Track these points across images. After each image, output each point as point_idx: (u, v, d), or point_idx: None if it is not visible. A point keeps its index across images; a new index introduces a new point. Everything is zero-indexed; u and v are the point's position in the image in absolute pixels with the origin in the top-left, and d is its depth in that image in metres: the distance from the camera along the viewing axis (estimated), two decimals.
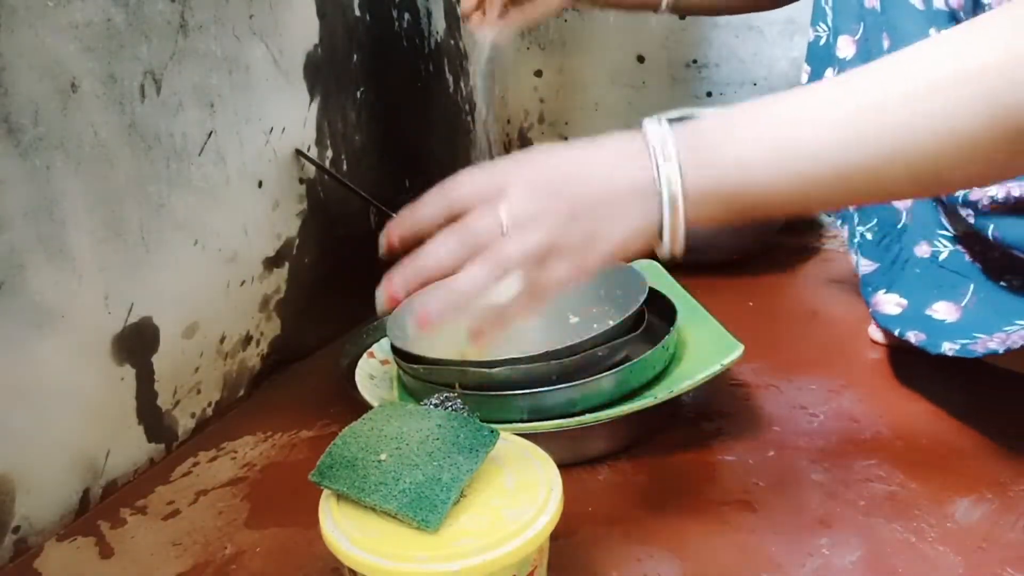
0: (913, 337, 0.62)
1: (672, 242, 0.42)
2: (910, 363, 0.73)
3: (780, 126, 0.40)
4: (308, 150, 0.86)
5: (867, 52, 0.66)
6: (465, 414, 0.49)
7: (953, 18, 0.59)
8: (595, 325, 0.70)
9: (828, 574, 0.48)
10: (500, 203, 0.41)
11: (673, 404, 0.63)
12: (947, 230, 0.61)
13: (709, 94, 1.28)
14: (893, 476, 0.57)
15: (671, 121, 0.43)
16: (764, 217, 0.50)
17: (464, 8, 0.79)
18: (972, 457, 0.59)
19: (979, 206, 0.59)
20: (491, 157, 1.35)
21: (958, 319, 0.59)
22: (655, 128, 0.42)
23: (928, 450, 0.60)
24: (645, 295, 0.66)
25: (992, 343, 0.57)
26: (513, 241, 0.41)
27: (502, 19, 0.78)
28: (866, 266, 0.67)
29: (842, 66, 0.68)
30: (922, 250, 0.62)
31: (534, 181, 0.42)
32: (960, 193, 0.60)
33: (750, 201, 0.41)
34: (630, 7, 0.84)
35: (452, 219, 0.42)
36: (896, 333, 0.63)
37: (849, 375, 0.73)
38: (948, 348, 0.60)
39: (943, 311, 0.60)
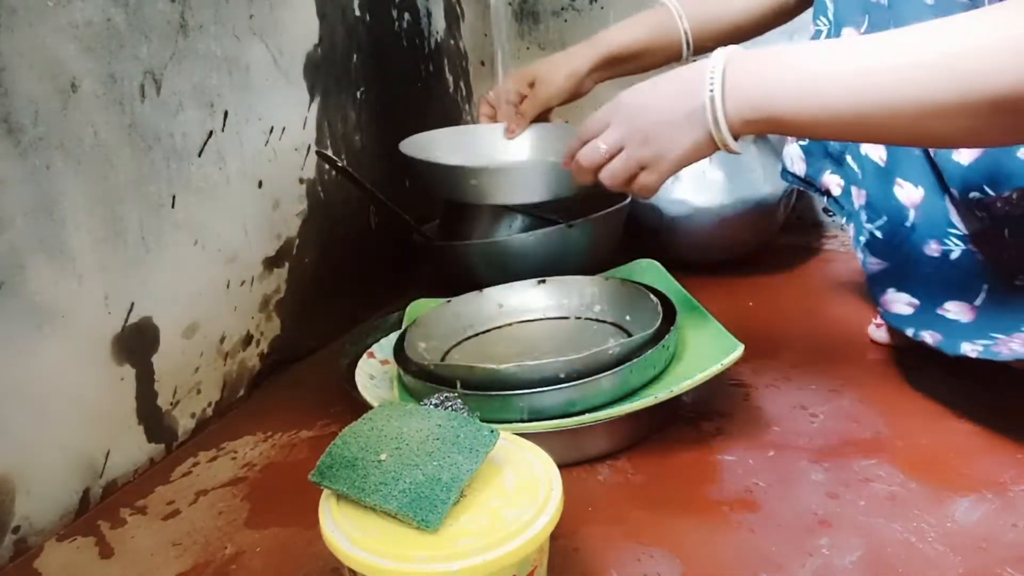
0: (929, 338, 0.61)
1: (724, 147, 0.56)
2: (910, 363, 0.73)
3: (804, 72, 0.52)
4: (308, 150, 0.86)
5: None
6: (465, 414, 0.49)
7: (970, 7, 0.58)
8: (611, 341, 0.69)
9: (828, 574, 0.48)
10: (601, 136, 0.62)
11: (673, 404, 0.63)
12: (957, 229, 0.60)
13: None
14: (893, 476, 0.57)
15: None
16: (789, 135, 0.68)
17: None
18: (972, 457, 0.59)
19: (994, 208, 0.58)
20: None
21: (972, 319, 0.59)
22: (712, 63, 0.55)
23: (928, 450, 0.60)
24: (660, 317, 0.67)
25: (1015, 343, 0.56)
26: (612, 161, 0.62)
27: (517, 125, 0.95)
28: (875, 265, 0.67)
29: None
30: (932, 249, 0.61)
31: (620, 118, 0.61)
32: (974, 195, 0.60)
33: (776, 126, 0.54)
34: (654, 67, 0.90)
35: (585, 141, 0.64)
36: (909, 334, 0.63)
37: (849, 375, 0.73)
38: (969, 349, 0.59)
39: (956, 311, 0.59)
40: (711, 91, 0.54)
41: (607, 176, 0.62)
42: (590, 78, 0.89)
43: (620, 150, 0.61)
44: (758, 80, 0.53)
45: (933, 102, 0.47)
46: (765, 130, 0.55)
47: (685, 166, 0.59)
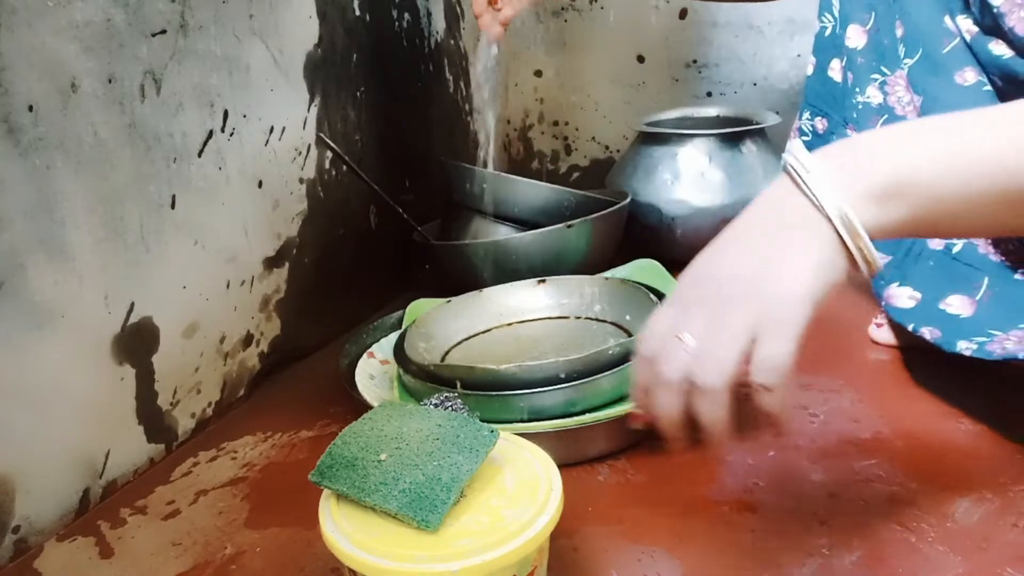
0: (928, 334, 0.61)
1: (865, 256, 0.41)
2: (910, 363, 0.73)
3: (947, 140, 0.39)
4: (308, 150, 0.86)
5: (879, 42, 0.65)
6: (465, 414, 0.49)
7: (968, 2, 0.58)
8: (610, 341, 0.70)
9: (828, 574, 0.48)
10: (680, 334, 0.41)
11: None
12: None
13: (709, 94, 1.28)
14: (893, 476, 0.57)
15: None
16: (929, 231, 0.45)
17: (476, 8, 0.83)
18: (972, 457, 0.59)
19: None
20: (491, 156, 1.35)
21: (972, 314, 0.59)
22: (788, 160, 0.39)
23: (928, 450, 0.60)
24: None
25: (1010, 343, 0.56)
26: (707, 363, 0.40)
27: (512, 6, 0.82)
28: (879, 259, 0.67)
29: (851, 55, 0.68)
30: (935, 242, 0.61)
31: (686, 291, 0.42)
32: None
33: (917, 210, 0.40)
34: None
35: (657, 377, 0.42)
36: (910, 328, 0.63)
37: (849, 375, 0.73)
38: (964, 347, 0.59)
39: (957, 305, 0.59)
40: (805, 187, 0.39)
41: (713, 372, 0.40)
42: None
43: (713, 330, 0.40)
44: (879, 153, 0.39)
45: None
46: (906, 232, 0.41)
47: (814, 303, 0.40)
